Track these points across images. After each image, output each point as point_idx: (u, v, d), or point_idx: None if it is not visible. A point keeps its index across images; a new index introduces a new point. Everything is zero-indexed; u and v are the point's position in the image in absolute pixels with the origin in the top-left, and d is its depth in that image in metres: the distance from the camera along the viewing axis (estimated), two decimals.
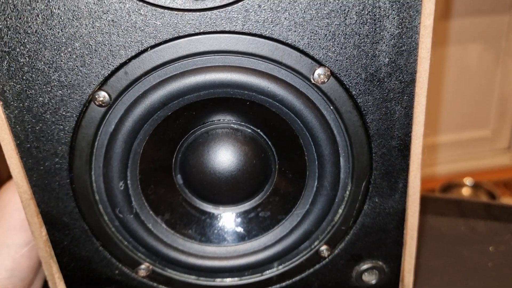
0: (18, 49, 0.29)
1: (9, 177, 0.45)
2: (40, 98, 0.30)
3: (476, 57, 1.25)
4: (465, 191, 1.25)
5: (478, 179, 1.25)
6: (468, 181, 1.25)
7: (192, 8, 0.29)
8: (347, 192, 0.34)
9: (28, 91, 0.30)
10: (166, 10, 0.29)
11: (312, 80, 0.31)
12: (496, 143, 1.35)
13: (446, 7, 1.17)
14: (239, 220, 0.36)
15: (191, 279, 0.36)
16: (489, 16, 1.19)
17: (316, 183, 0.34)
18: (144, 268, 0.35)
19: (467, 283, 0.50)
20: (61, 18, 0.28)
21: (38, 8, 0.28)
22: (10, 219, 0.44)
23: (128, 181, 0.33)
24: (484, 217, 0.59)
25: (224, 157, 0.34)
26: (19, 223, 0.43)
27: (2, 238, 0.44)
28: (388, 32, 0.30)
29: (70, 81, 0.30)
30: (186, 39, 0.29)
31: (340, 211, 0.35)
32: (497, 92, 1.30)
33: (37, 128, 0.31)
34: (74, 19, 0.28)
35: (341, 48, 0.30)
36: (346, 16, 0.29)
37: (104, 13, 0.28)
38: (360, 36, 0.30)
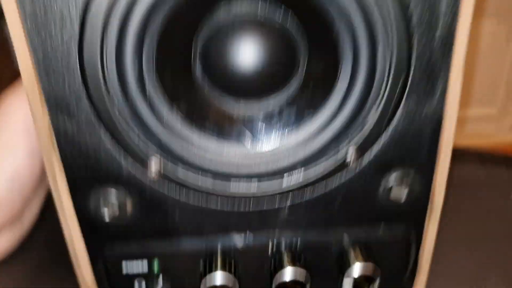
0: None
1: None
2: None
3: (488, 33, 1.22)
4: None
5: None
6: None
7: None
8: (382, 91, 0.31)
9: None
10: None
11: None
12: (502, 122, 1.33)
13: None
14: (261, 118, 0.33)
15: (205, 182, 0.33)
16: None
17: (348, 79, 0.31)
18: (154, 166, 0.32)
19: (486, 224, 0.48)
20: None
21: None
22: (13, 124, 0.41)
23: (143, 62, 0.30)
24: (505, 166, 0.57)
25: (249, 44, 0.31)
26: (22, 127, 0.40)
27: (3, 144, 0.41)
28: None
29: None
30: None
31: (373, 111, 0.32)
32: (506, 71, 1.27)
33: None
34: None
35: None
36: None
37: None
38: None
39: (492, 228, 0.47)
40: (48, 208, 0.55)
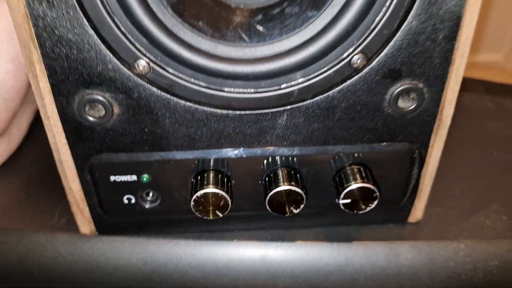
0: None
1: None
2: None
3: None
4: None
5: None
6: None
7: None
8: None
9: None
10: None
11: None
12: (507, 68, 1.30)
13: None
14: (260, 15, 0.30)
15: (197, 84, 0.31)
16: None
17: None
18: (142, 64, 0.30)
19: (493, 153, 0.46)
20: None
21: None
22: None
23: None
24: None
25: None
26: (6, 35, 0.38)
27: None
28: None
29: None
30: None
31: (384, 9, 0.29)
32: None
33: None
34: None
35: None
36: None
37: None
38: None
39: (497, 158, 0.45)
40: (37, 126, 0.52)
